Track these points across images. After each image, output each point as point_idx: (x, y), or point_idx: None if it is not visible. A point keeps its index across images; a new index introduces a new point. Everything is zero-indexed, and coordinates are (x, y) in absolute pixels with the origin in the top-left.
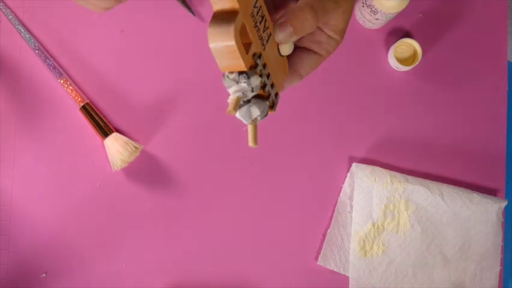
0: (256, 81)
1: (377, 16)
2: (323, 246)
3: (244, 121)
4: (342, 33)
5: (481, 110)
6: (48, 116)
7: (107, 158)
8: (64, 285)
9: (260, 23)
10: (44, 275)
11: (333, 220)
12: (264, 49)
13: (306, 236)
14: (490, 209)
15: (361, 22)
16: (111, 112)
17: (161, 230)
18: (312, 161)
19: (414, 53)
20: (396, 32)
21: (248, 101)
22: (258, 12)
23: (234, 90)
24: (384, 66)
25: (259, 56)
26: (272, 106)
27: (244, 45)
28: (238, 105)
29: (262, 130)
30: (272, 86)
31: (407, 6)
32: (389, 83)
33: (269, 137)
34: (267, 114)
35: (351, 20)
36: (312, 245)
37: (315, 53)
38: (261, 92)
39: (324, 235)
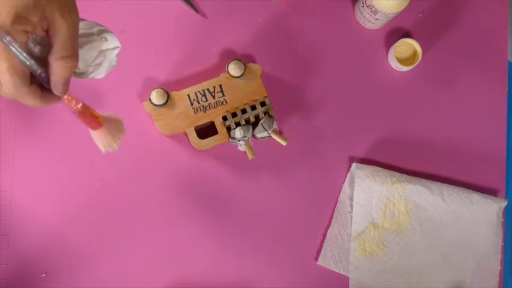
0: (238, 133)
1: (377, 16)
2: (323, 246)
3: (265, 136)
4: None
5: (481, 110)
6: (48, 116)
7: (107, 158)
8: (64, 285)
9: (206, 102)
10: (44, 275)
11: (333, 220)
12: (228, 110)
13: (306, 236)
14: (490, 209)
15: (361, 22)
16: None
17: (161, 230)
18: (312, 161)
19: (414, 53)
20: (396, 32)
21: (254, 127)
22: (199, 101)
23: (240, 146)
24: (384, 66)
25: (226, 118)
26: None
27: (210, 124)
28: (251, 151)
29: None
30: (254, 108)
31: (407, 6)
32: (389, 83)
33: (269, 137)
34: (271, 126)
35: (351, 20)
36: (312, 245)
37: None
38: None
39: (324, 235)
